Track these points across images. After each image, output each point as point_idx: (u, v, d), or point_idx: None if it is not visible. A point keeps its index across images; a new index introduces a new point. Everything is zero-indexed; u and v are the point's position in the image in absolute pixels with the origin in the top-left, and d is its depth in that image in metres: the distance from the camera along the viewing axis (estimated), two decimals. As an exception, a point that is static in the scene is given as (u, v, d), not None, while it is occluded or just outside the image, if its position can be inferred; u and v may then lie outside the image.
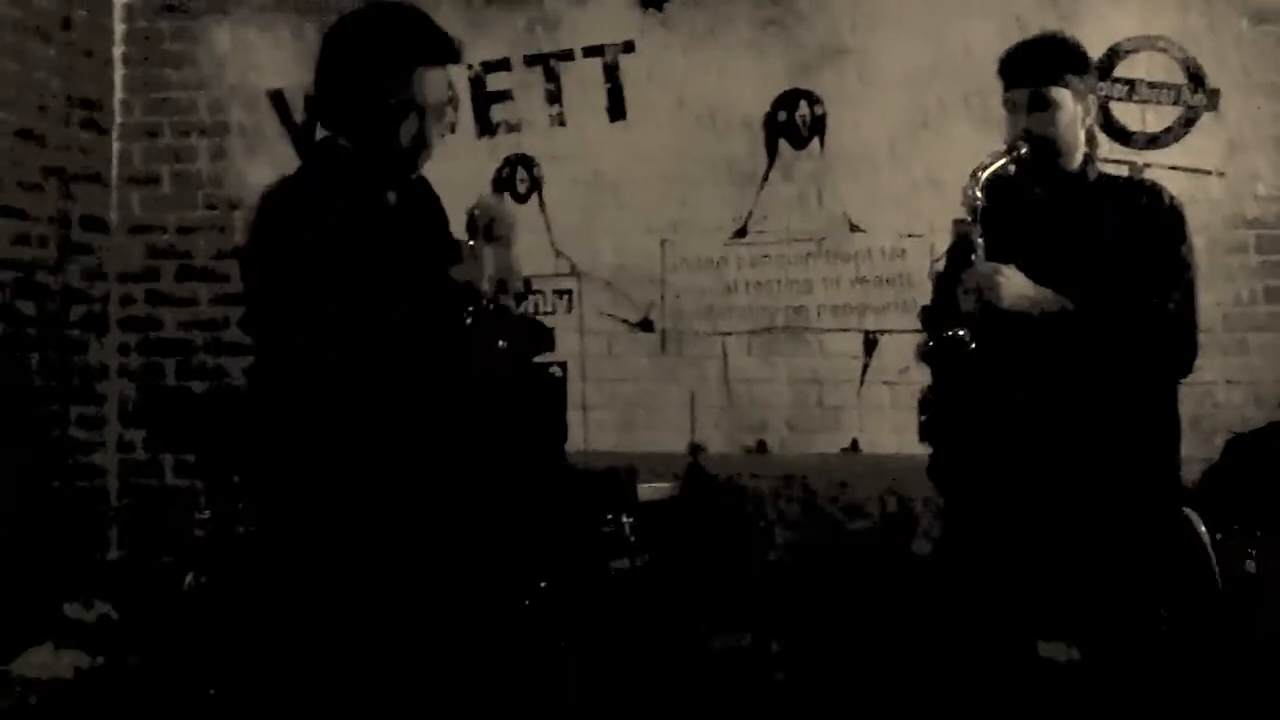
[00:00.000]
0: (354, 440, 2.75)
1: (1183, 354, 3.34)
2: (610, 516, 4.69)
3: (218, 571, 4.90)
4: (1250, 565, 4.46)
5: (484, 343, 2.87)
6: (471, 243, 2.87)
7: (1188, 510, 3.99)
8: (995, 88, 3.54)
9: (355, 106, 2.84)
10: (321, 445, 2.77)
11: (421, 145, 2.88)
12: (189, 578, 5.37)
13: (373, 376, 2.70)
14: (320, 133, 2.94)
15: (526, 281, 5.99)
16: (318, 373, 2.71)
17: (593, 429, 6.14)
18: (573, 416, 6.04)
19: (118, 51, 6.45)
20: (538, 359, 5.99)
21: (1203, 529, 4.10)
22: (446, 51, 2.90)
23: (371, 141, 2.85)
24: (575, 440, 5.82)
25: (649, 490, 5.05)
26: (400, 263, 2.81)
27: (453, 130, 6.29)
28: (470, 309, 2.83)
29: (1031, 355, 3.29)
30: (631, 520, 4.69)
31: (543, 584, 4.34)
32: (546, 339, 5.61)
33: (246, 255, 3.11)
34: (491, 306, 2.87)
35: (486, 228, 2.88)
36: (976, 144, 5.41)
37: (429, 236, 2.99)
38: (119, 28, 6.46)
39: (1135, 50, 5.91)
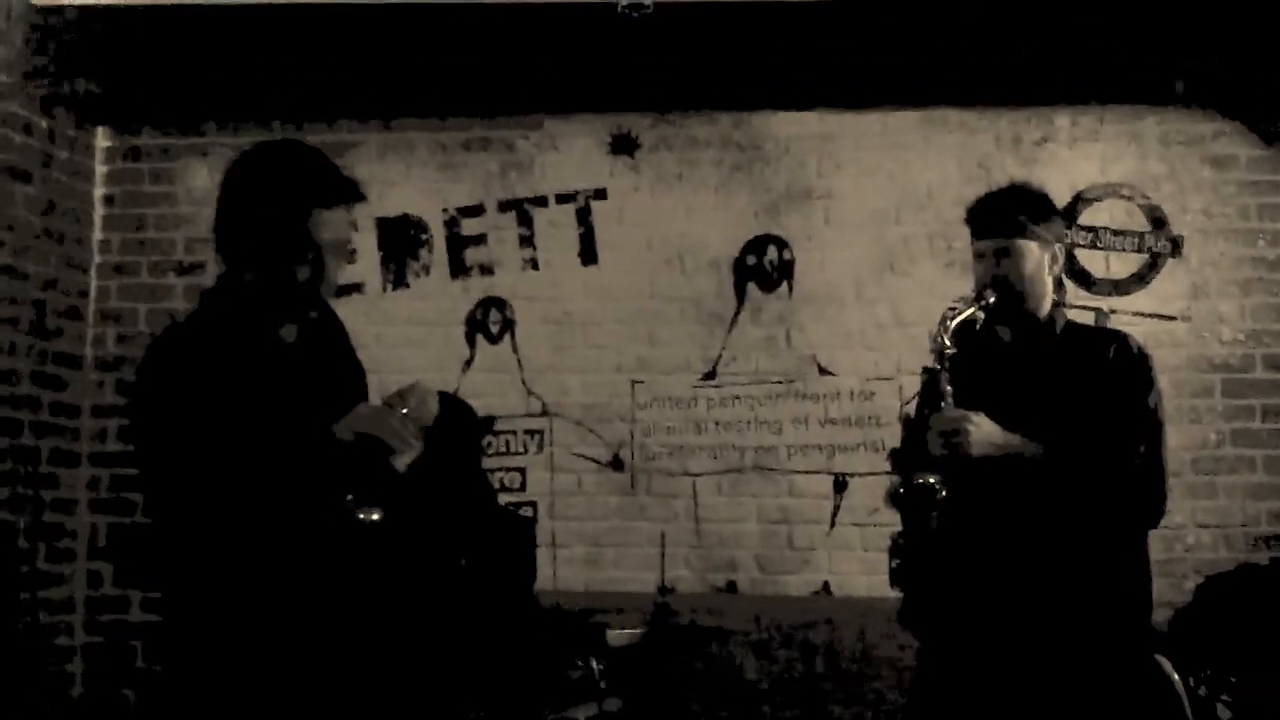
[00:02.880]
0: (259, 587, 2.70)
1: (1151, 506, 3.37)
2: (580, 663, 4.65)
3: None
4: (1224, 711, 4.43)
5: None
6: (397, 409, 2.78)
7: (1159, 657, 3.98)
8: (959, 229, 3.61)
9: (251, 244, 2.81)
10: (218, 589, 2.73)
11: (319, 283, 2.84)
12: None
13: (261, 519, 2.64)
14: (219, 268, 2.91)
15: (490, 420, 6.05)
16: (205, 524, 2.66)
17: (562, 567, 6.10)
18: (542, 555, 6.00)
19: (98, 192, 6.50)
20: (509, 502, 6.00)
21: (1175, 676, 4.08)
22: (344, 192, 2.85)
23: (268, 278, 2.81)
24: (544, 578, 5.78)
25: (618, 636, 4.99)
26: (289, 400, 2.77)
27: (427, 272, 6.35)
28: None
29: (1001, 501, 3.30)
30: (601, 666, 4.64)
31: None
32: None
33: (130, 402, 3.02)
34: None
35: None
36: (941, 284, 5.56)
37: (327, 371, 2.95)
38: (100, 168, 6.51)
39: (1099, 198, 6.04)
